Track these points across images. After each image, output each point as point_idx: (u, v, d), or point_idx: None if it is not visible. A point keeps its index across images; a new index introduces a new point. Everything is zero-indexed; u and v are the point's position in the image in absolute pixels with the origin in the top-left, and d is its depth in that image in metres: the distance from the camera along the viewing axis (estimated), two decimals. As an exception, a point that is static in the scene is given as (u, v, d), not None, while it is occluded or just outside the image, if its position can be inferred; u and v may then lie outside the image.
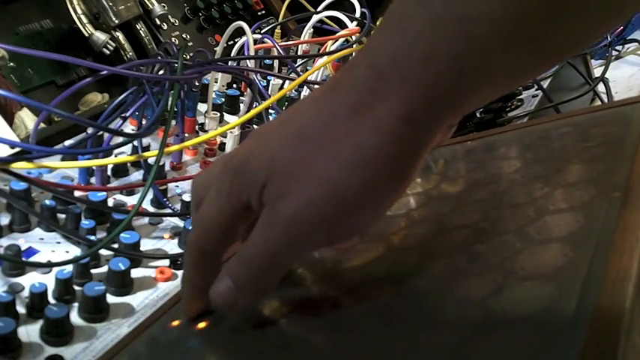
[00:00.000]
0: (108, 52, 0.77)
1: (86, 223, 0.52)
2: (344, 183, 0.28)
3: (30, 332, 0.43)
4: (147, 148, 0.62)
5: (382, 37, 0.28)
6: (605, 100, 0.86)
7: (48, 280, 0.47)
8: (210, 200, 0.32)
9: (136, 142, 0.61)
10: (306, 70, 0.83)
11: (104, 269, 0.49)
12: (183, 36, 0.90)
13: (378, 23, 0.92)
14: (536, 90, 0.77)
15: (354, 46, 0.78)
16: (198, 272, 0.34)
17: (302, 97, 0.79)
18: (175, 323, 0.37)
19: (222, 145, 0.70)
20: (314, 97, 0.31)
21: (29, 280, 0.47)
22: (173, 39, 0.88)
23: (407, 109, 0.27)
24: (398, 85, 0.27)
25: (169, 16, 0.88)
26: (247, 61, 0.73)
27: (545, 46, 0.27)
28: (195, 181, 0.35)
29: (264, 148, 0.30)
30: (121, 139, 0.56)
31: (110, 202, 0.57)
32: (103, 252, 0.50)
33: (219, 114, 0.74)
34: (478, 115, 0.74)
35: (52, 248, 0.52)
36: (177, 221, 0.57)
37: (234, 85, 0.84)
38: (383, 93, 0.27)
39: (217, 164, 0.33)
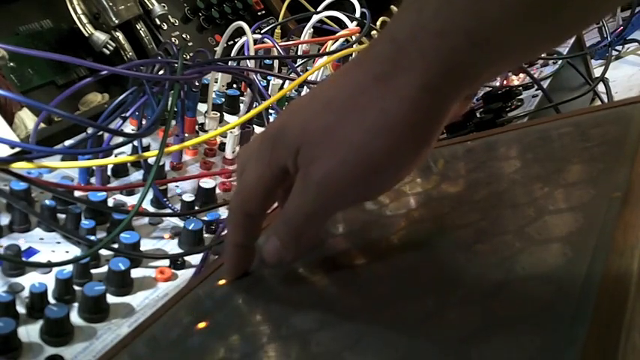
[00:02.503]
0: (108, 52, 0.77)
1: (86, 223, 0.52)
2: (369, 147, 0.30)
3: (30, 332, 0.43)
4: (147, 148, 0.62)
5: (401, 16, 0.31)
6: (605, 100, 0.86)
7: (48, 280, 0.47)
8: (251, 167, 0.36)
9: (136, 142, 0.61)
10: (306, 70, 0.83)
11: (104, 269, 0.49)
12: (183, 36, 0.90)
13: (378, 23, 0.93)
14: (536, 90, 0.77)
15: (354, 46, 0.78)
16: (241, 232, 0.37)
17: (302, 97, 0.80)
18: (221, 282, 0.40)
19: (222, 145, 0.70)
20: (342, 71, 0.34)
21: (29, 280, 0.47)
22: (173, 39, 0.88)
23: (425, 80, 0.29)
24: (417, 57, 0.29)
25: (169, 16, 0.88)
26: (247, 61, 0.73)
27: (556, 22, 0.28)
28: (239, 153, 0.39)
29: (297, 118, 0.33)
30: (121, 139, 0.56)
31: (110, 202, 0.57)
32: (103, 252, 0.50)
33: (219, 114, 0.74)
34: (478, 115, 0.74)
35: (52, 248, 0.52)
36: (177, 221, 0.57)
37: (234, 85, 0.84)
38: (403, 65, 0.29)
39: (257, 137, 0.37)
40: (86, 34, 0.76)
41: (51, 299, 0.46)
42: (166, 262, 0.52)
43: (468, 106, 0.35)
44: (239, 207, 0.37)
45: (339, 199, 0.33)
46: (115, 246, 0.50)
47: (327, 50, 0.79)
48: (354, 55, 0.80)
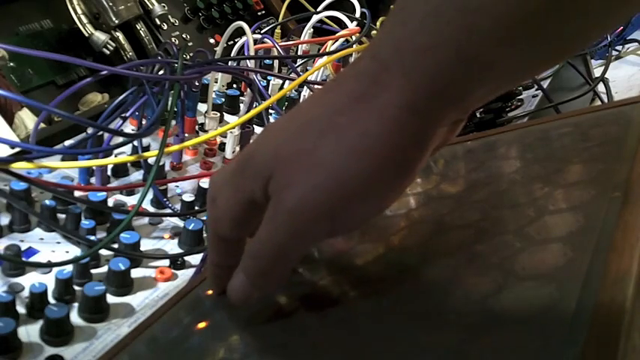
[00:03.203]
0: (108, 52, 0.77)
1: (86, 223, 0.52)
2: (347, 171, 0.28)
3: (30, 332, 0.43)
4: (147, 148, 0.62)
5: (386, 29, 0.28)
6: (605, 100, 0.86)
7: (48, 280, 0.47)
8: (222, 196, 0.33)
9: (136, 142, 0.61)
10: (306, 70, 0.83)
11: (104, 269, 0.49)
12: (183, 36, 0.90)
13: (378, 23, 0.93)
14: (536, 90, 0.77)
15: (354, 46, 0.78)
16: (216, 252, 0.35)
17: (302, 97, 0.79)
18: (209, 292, 0.39)
19: (222, 145, 0.70)
20: (322, 90, 0.31)
21: (29, 280, 0.47)
22: (173, 39, 0.88)
23: (409, 99, 0.27)
24: (399, 75, 0.27)
25: (169, 16, 0.88)
26: (247, 61, 0.73)
27: (549, 42, 0.26)
28: (211, 179, 0.36)
29: (269, 142, 0.31)
30: (121, 139, 0.56)
31: (110, 202, 0.57)
32: (103, 252, 0.50)
33: (219, 114, 0.74)
34: (478, 115, 0.74)
35: (52, 248, 0.52)
36: (177, 221, 0.57)
37: (234, 85, 0.84)
38: (385, 83, 0.27)
39: (232, 161, 0.34)
40: (86, 34, 0.76)
41: (51, 299, 0.46)
42: (166, 262, 0.52)
43: (457, 132, 0.32)
44: (211, 231, 0.34)
45: (312, 230, 0.29)
46: (115, 246, 0.50)
47: (327, 50, 0.79)
48: (354, 56, 0.80)
